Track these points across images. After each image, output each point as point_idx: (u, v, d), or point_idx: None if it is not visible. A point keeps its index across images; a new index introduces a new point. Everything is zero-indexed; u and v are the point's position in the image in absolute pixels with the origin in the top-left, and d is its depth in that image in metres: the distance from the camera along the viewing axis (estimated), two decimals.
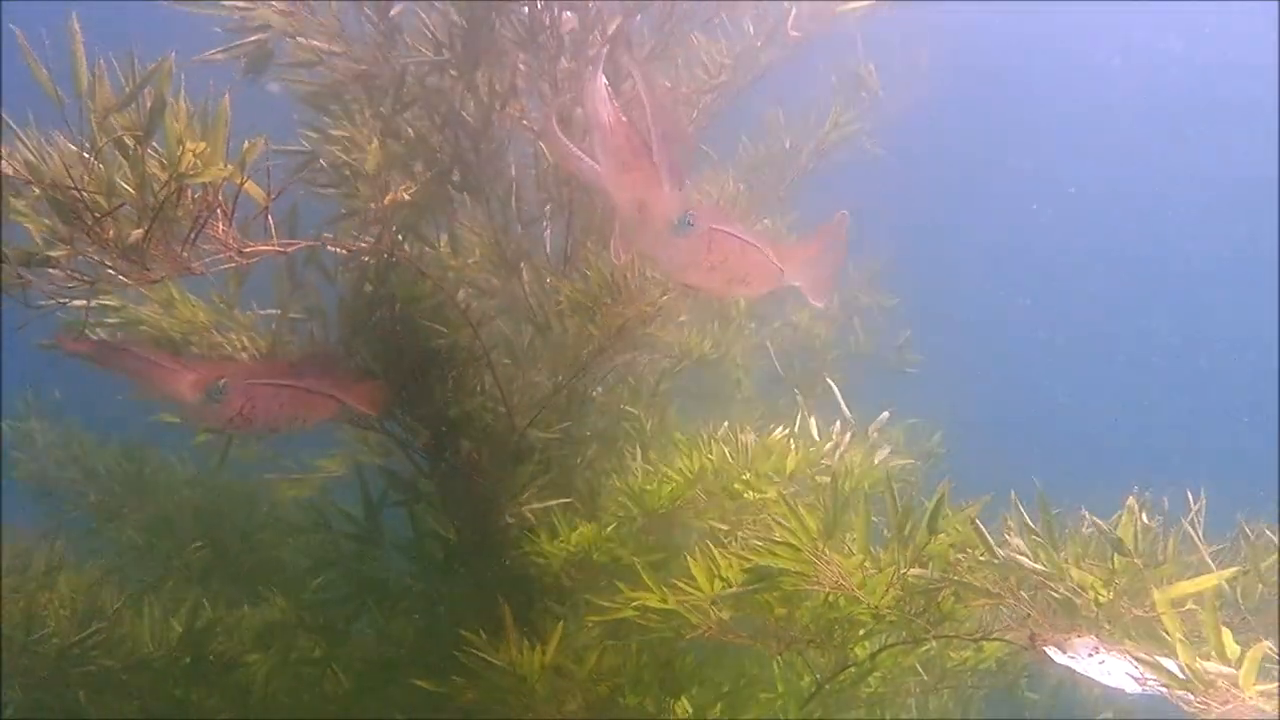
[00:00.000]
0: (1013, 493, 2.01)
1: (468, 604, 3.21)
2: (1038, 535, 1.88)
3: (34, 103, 1.87)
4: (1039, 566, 1.86)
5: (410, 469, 3.14)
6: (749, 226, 2.33)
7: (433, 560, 3.19)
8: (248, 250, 2.02)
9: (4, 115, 1.82)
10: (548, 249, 3.26)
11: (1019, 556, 1.88)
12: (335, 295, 2.86)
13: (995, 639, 2.12)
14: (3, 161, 1.70)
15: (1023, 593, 1.97)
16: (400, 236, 2.68)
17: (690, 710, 2.51)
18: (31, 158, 1.72)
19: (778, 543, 2.03)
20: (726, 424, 3.10)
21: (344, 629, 3.26)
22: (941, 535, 1.93)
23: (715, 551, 2.27)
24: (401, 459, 3.11)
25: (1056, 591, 1.86)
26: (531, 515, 3.03)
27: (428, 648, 3.21)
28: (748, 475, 2.74)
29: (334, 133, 2.54)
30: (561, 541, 2.95)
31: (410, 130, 2.74)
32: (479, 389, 3.03)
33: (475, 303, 3.12)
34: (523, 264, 3.17)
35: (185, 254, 1.91)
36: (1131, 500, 1.78)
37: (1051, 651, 1.98)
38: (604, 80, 1.98)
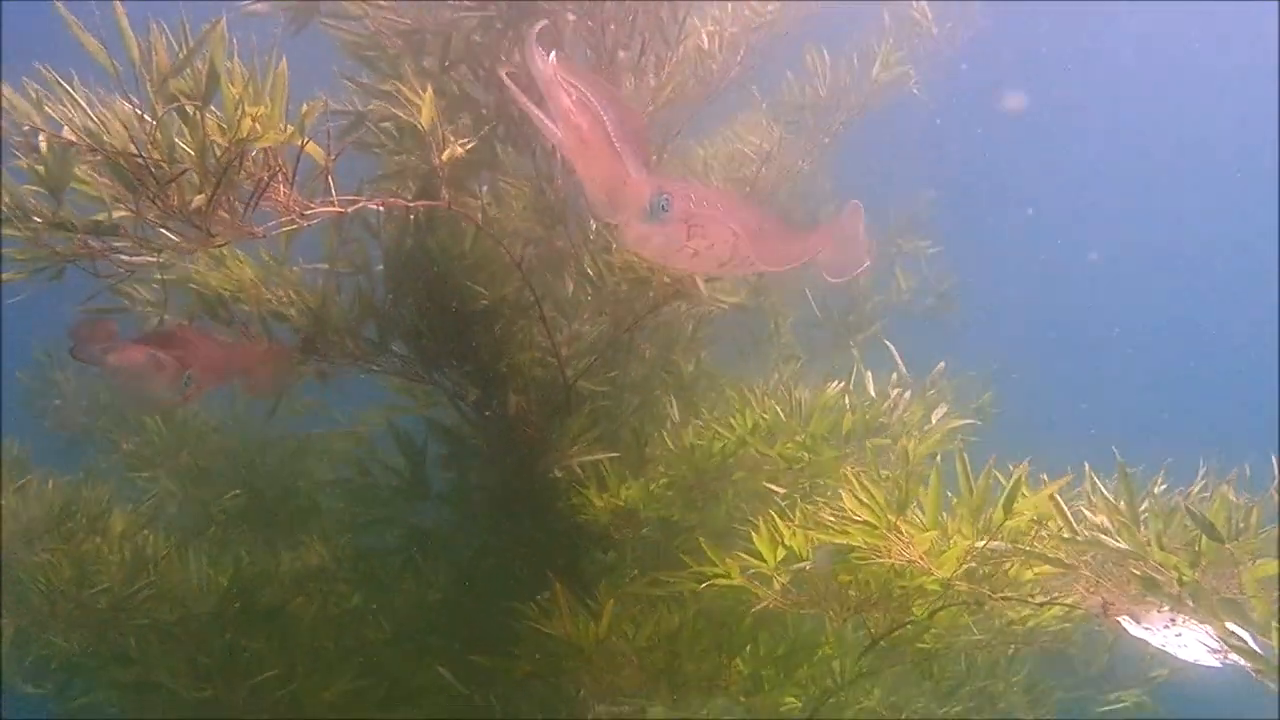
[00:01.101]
0: (1087, 465, 1.98)
1: (514, 554, 3.21)
2: (1121, 514, 1.84)
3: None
4: (1122, 545, 1.83)
5: (456, 420, 3.11)
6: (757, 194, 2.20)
7: (479, 510, 3.19)
8: (309, 212, 1.96)
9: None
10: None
11: (1102, 536, 1.85)
12: (381, 250, 2.81)
13: (1065, 604, 2.11)
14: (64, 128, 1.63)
15: (1097, 563, 1.95)
16: (444, 191, 2.60)
17: (745, 670, 2.51)
18: (93, 125, 1.66)
19: (853, 520, 2.00)
20: (777, 377, 3.06)
21: (387, 579, 3.27)
22: (1018, 515, 1.90)
23: (778, 521, 2.24)
24: (449, 411, 3.09)
25: (1138, 570, 1.84)
26: (579, 468, 3.01)
27: (472, 599, 3.23)
28: (802, 436, 2.70)
29: (381, 88, 2.46)
30: (610, 496, 2.93)
31: (455, 86, 2.64)
32: (528, 341, 2.99)
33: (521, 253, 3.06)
34: (567, 214, 3.10)
35: (247, 218, 1.86)
36: (1225, 487, 1.74)
37: (1125, 622, 1.96)
38: (552, 60, 1.89)
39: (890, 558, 2.02)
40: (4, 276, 1.71)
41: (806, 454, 2.66)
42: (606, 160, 1.93)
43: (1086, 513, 1.92)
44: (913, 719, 2.90)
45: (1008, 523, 1.89)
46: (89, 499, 2.86)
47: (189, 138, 1.77)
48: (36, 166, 1.64)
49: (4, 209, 1.63)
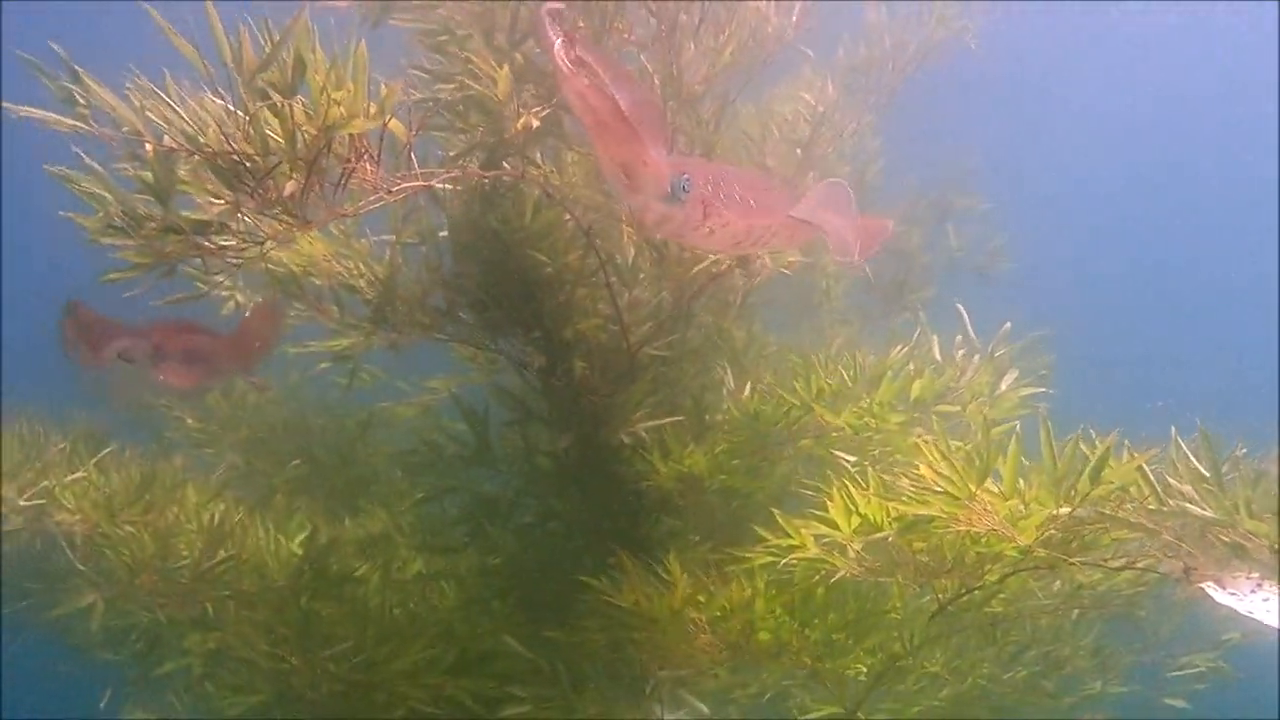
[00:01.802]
0: (1174, 429, 1.97)
1: (577, 520, 3.25)
2: (1208, 482, 1.84)
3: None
4: (1209, 514, 1.83)
5: (520, 387, 3.14)
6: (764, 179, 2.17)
7: (542, 476, 3.22)
8: (395, 190, 1.98)
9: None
10: None
11: (1188, 504, 1.86)
12: (447, 220, 2.83)
13: (1144, 569, 2.11)
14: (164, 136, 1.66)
15: (1178, 527, 1.95)
16: (514, 161, 2.61)
17: (815, 637, 2.54)
18: (189, 129, 1.68)
19: (934, 491, 2.01)
20: (839, 341, 3.07)
21: (452, 546, 3.32)
22: (1105, 483, 1.90)
23: (852, 489, 2.25)
24: (513, 378, 3.12)
25: (1226, 537, 1.84)
26: (644, 433, 3.03)
27: (536, 564, 3.28)
28: (867, 401, 2.71)
29: (451, 71, 2.47)
30: (674, 462, 2.96)
31: (521, 57, 2.64)
32: (591, 308, 3.01)
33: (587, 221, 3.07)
34: None
35: (338, 199, 1.88)
36: None
37: (1209, 587, 1.97)
38: (564, 41, 1.86)
39: (970, 526, 2.04)
40: (112, 276, 1.75)
41: (873, 420, 2.67)
42: (625, 141, 1.91)
43: (1170, 480, 1.93)
44: (979, 684, 2.92)
45: (1096, 493, 1.89)
46: (165, 470, 2.92)
47: (278, 128, 1.80)
48: (144, 174, 1.67)
49: (117, 217, 1.66)
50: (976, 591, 2.52)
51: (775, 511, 2.32)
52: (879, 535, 2.14)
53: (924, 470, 2.06)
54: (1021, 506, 2.01)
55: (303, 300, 2.68)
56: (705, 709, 3.27)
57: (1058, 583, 2.80)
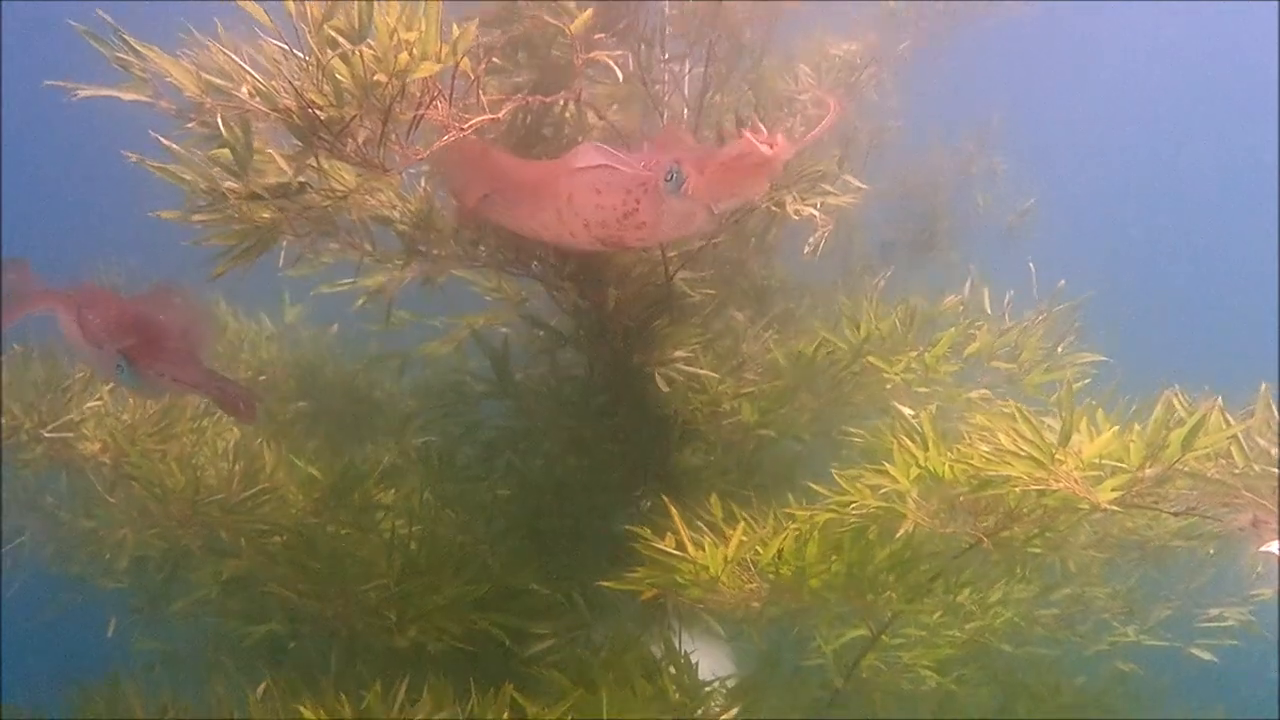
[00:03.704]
0: (1264, 385, 1.95)
1: (602, 450, 3.21)
2: None
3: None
4: None
5: (551, 309, 3.09)
6: None
7: (568, 402, 3.17)
8: (466, 127, 1.87)
9: None
10: (685, 91, 3.08)
11: (1272, 469, 1.86)
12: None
13: (1208, 517, 2.10)
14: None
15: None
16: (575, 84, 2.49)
17: (860, 576, 2.52)
18: (262, 87, 1.57)
19: (1015, 454, 1.98)
20: (878, 283, 3.03)
21: (472, 477, 3.26)
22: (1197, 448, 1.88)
23: (911, 445, 2.23)
24: (544, 304, 3.07)
25: None
26: (677, 373, 2.98)
27: (560, 497, 3.24)
28: (916, 351, 2.67)
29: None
30: (708, 398, 2.93)
31: None
32: None
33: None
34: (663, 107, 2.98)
35: (411, 142, 1.77)
36: None
37: (1275, 547, 1.97)
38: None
39: (1051, 486, 2.01)
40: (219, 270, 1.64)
41: (924, 371, 2.64)
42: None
43: (1259, 439, 1.92)
44: (1010, 620, 2.92)
45: (1187, 459, 1.87)
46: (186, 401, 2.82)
47: (348, 77, 1.69)
48: (221, 151, 1.56)
49: (197, 191, 1.55)
50: (1014, 529, 2.51)
51: (834, 469, 2.30)
52: (954, 493, 2.11)
53: (1003, 439, 2.03)
54: (1105, 468, 1.99)
55: (335, 237, 2.53)
56: (720, 630, 3.29)
57: (1084, 532, 2.82)
